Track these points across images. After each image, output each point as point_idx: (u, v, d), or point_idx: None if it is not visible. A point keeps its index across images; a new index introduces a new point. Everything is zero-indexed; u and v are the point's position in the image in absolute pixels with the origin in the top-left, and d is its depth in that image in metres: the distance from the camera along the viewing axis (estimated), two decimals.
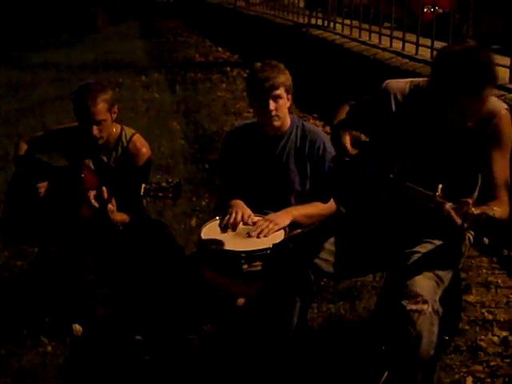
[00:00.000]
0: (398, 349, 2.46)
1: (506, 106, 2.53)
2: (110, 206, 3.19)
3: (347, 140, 2.58)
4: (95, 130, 3.25)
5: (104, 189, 3.16)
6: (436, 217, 2.26)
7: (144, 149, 3.43)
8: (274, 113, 3.13)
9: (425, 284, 2.42)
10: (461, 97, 2.35)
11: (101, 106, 3.25)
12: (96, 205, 3.14)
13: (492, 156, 2.48)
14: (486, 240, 2.13)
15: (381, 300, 3.03)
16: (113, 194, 3.17)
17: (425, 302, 2.36)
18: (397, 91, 2.63)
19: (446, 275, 2.53)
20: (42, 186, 3.33)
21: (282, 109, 3.15)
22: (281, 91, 3.12)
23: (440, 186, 2.25)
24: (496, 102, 2.54)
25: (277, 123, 3.18)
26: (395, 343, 2.47)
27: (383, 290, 3.03)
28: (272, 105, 3.12)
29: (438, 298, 2.43)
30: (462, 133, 2.50)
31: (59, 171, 3.42)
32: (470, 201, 2.19)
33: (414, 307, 2.34)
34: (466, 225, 2.17)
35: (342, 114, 2.74)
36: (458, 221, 2.17)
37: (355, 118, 2.72)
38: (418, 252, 2.57)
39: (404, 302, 2.35)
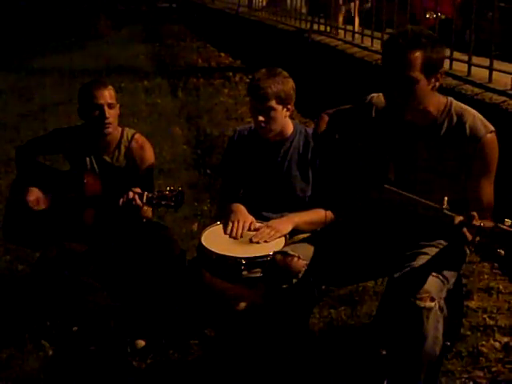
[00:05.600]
0: (403, 346, 2.49)
1: (491, 129, 2.52)
2: (145, 208, 3.20)
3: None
4: (108, 112, 3.27)
5: (135, 191, 3.13)
6: (442, 228, 2.28)
7: (146, 145, 3.45)
8: (262, 124, 3.13)
9: (431, 281, 2.46)
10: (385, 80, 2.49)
11: (112, 91, 3.34)
12: (140, 203, 3.11)
13: (478, 181, 2.53)
14: (501, 252, 2.13)
15: (382, 305, 3.04)
16: (118, 193, 3.17)
17: (432, 299, 2.40)
18: (378, 103, 2.71)
19: (451, 276, 2.57)
20: (38, 202, 3.34)
21: (274, 121, 3.12)
22: (272, 103, 3.08)
23: (446, 198, 2.26)
24: (481, 125, 2.52)
25: (267, 135, 3.19)
26: (401, 340, 2.50)
27: (384, 295, 3.03)
28: (260, 117, 3.12)
29: (443, 296, 2.47)
30: (440, 140, 2.54)
31: (61, 175, 3.43)
32: (475, 213, 2.21)
33: (422, 304, 2.38)
34: (477, 238, 2.19)
35: (324, 124, 2.79)
36: (470, 236, 2.20)
37: (337, 124, 2.78)
38: (424, 253, 2.59)
39: (413, 299, 2.39)
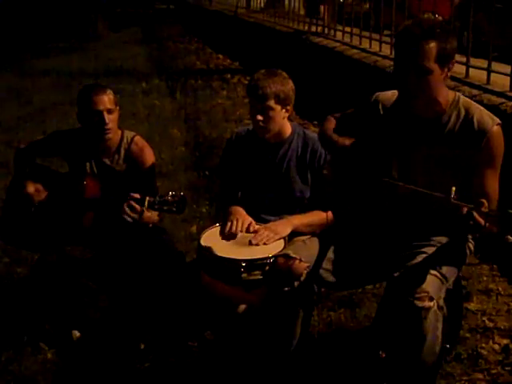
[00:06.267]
0: (403, 346, 2.50)
1: (497, 121, 2.55)
2: (146, 213, 3.19)
3: (335, 137, 2.67)
4: (107, 118, 3.26)
5: (134, 196, 3.13)
6: (449, 218, 2.28)
7: (146, 148, 3.44)
8: (260, 124, 3.13)
9: (430, 281, 2.46)
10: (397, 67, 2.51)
11: (111, 96, 3.32)
12: (138, 209, 3.10)
13: (484, 173, 2.54)
14: (509, 238, 2.13)
15: (381, 307, 3.03)
16: (119, 196, 3.16)
17: (431, 298, 2.40)
18: (385, 100, 2.73)
19: (450, 275, 2.57)
20: (38, 192, 3.33)
21: (272, 120, 3.12)
22: (270, 102, 3.08)
23: (453, 188, 2.27)
24: (488, 118, 2.55)
25: (265, 135, 3.18)
26: (400, 340, 2.50)
27: (384, 297, 3.03)
28: (259, 116, 3.11)
29: (442, 295, 2.47)
30: (447, 134, 2.56)
31: (61, 177, 3.42)
32: (484, 200, 2.21)
33: (420, 304, 2.39)
34: (487, 225, 2.19)
35: (330, 125, 2.78)
36: (482, 221, 2.19)
37: (344, 127, 2.77)
38: (423, 252, 2.60)
39: (411, 299, 2.39)
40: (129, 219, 3.08)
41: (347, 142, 2.60)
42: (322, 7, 10.37)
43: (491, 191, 2.53)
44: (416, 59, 2.42)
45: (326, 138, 2.74)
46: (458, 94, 2.63)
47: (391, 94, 2.71)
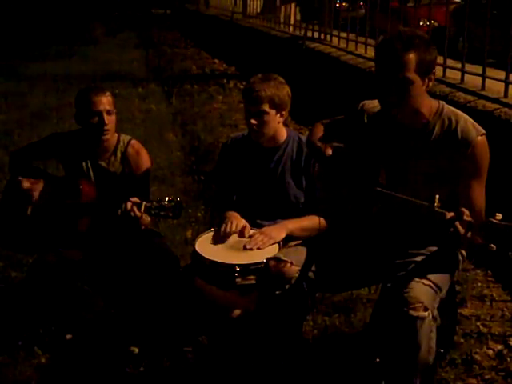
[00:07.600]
0: (397, 355, 2.49)
1: (482, 132, 2.54)
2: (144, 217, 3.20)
3: (322, 145, 2.68)
4: (107, 119, 3.27)
5: (133, 201, 3.13)
6: (434, 226, 2.29)
7: (143, 151, 3.46)
8: (254, 128, 3.13)
9: (424, 291, 2.46)
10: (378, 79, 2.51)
11: (110, 98, 3.35)
12: (139, 214, 3.10)
13: (469, 184, 2.54)
14: (493, 246, 2.14)
15: (376, 312, 3.04)
16: (114, 199, 3.16)
17: (425, 308, 2.41)
18: (370, 109, 2.75)
19: (444, 285, 2.57)
20: (34, 186, 3.33)
21: (266, 124, 3.13)
22: (265, 107, 3.09)
23: (437, 196, 2.28)
24: (472, 128, 2.55)
25: (259, 139, 3.19)
26: (394, 350, 2.50)
27: (378, 302, 3.03)
28: (253, 120, 3.12)
29: (436, 305, 2.48)
30: (432, 144, 2.56)
31: (56, 181, 3.42)
32: (465, 210, 2.22)
33: (415, 314, 2.39)
34: (469, 234, 2.20)
35: (319, 131, 2.80)
36: (462, 230, 2.20)
37: (332, 133, 2.79)
38: (415, 261, 2.60)
39: (406, 309, 2.39)
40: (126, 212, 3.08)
41: (329, 151, 2.62)
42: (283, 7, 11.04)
43: (477, 201, 2.53)
44: (396, 72, 2.43)
45: (312, 146, 2.76)
46: (441, 102, 2.62)
47: (377, 103, 2.70)
